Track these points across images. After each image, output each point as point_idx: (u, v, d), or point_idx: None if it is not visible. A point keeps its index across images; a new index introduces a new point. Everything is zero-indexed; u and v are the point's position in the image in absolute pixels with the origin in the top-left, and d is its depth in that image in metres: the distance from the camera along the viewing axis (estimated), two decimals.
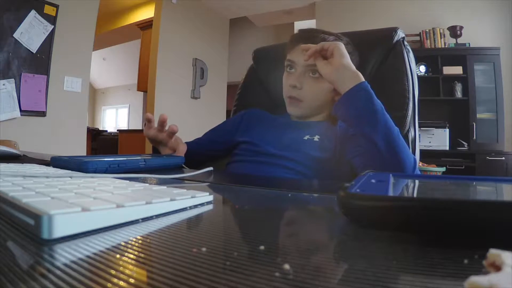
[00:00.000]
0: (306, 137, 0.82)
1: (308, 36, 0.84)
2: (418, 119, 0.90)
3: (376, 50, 0.94)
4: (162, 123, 0.75)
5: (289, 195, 0.37)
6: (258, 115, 0.96)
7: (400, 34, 0.93)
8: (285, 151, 0.79)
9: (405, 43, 0.93)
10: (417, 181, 0.36)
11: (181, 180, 0.47)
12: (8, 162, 0.48)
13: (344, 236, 0.21)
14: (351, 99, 0.64)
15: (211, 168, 0.54)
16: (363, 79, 0.65)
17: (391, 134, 0.61)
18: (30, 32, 2.26)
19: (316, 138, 0.81)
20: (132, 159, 0.53)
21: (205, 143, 0.95)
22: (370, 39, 0.96)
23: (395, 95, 0.88)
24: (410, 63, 0.90)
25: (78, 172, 0.40)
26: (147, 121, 0.78)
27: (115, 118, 7.69)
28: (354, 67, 0.67)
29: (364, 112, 0.63)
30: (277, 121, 0.91)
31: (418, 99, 0.89)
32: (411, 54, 0.91)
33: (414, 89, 0.88)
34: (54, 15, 2.39)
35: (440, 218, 0.18)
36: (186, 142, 0.93)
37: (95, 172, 0.44)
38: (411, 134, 0.87)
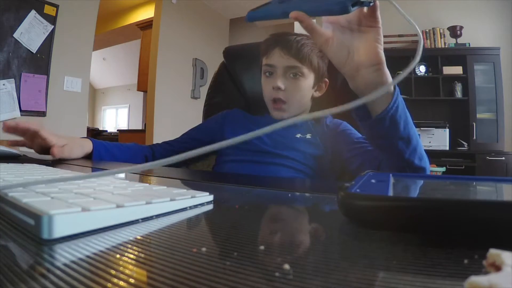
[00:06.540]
0: (298, 135, 0.84)
1: (284, 39, 0.85)
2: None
3: None
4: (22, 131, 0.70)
5: (289, 195, 0.37)
6: (242, 115, 0.96)
7: None
8: (282, 150, 0.80)
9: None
10: (417, 181, 0.36)
11: (182, 180, 0.47)
12: (8, 162, 0.48)
13: (344, 236, 0.21)
14: (389, 123, 0.51)
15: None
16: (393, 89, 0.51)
17: (419, 150, 0.57)
18: (30, 32, 2.26)
19: (308, 135, 0.83)
20: None
21: (190, 143, 0.95)
22: None
23: None
24: None
25: (79, 173, 0.40)
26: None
27: (115, 118, 7.69)
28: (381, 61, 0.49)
29: (400, 139, 0.54)
30: (262, 121, 0.91)
31: None
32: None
33: None
34: (54, 15, 2.39)
35: (440, 218, 0.18)
36: (156, 144, 0.95)
37: None
38: None
